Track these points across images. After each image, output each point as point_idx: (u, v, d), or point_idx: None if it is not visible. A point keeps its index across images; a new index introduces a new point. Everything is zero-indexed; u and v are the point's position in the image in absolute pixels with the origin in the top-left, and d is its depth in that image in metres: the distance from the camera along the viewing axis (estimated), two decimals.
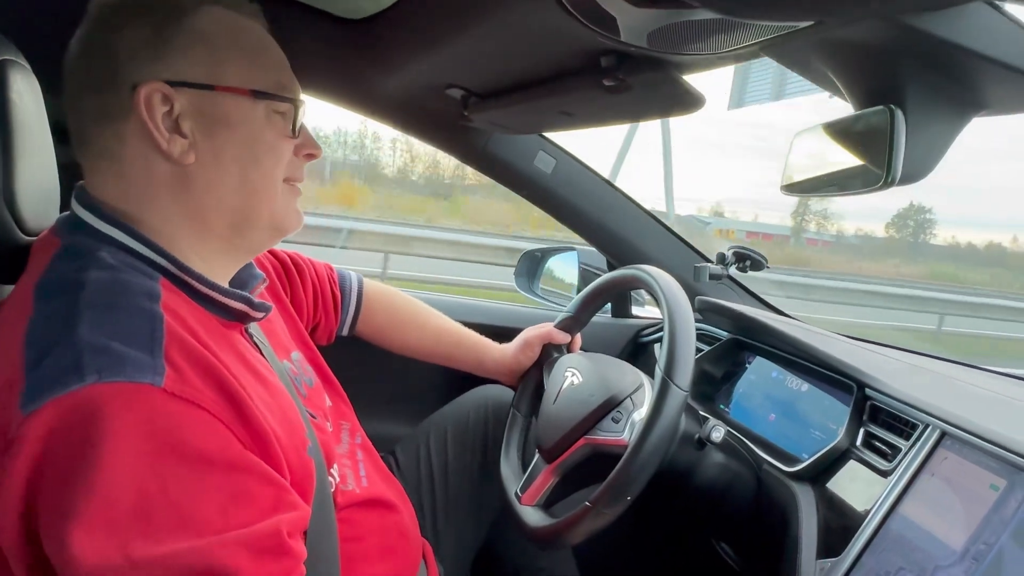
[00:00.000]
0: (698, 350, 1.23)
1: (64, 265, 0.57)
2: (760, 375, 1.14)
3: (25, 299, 0.55)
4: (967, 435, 0.73)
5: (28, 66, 0.71)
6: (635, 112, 0.85)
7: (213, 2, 0.62)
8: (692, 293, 1.29)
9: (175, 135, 0.60)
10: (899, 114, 0.49)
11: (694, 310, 1.27)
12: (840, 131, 0.58)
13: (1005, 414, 0.80)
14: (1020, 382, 1.01)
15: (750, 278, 1.37)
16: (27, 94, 0.69)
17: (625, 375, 0.95)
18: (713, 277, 1.27)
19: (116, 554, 0.46)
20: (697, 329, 1.30)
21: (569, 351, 1.13)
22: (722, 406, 1.17)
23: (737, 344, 1.20)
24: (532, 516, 0.93)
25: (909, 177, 0.54)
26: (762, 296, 1.38)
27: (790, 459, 0.94)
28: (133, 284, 0.56)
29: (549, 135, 1.27)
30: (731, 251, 1.28)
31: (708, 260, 1.34)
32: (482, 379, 1.19)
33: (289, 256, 1.00)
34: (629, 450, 0.81)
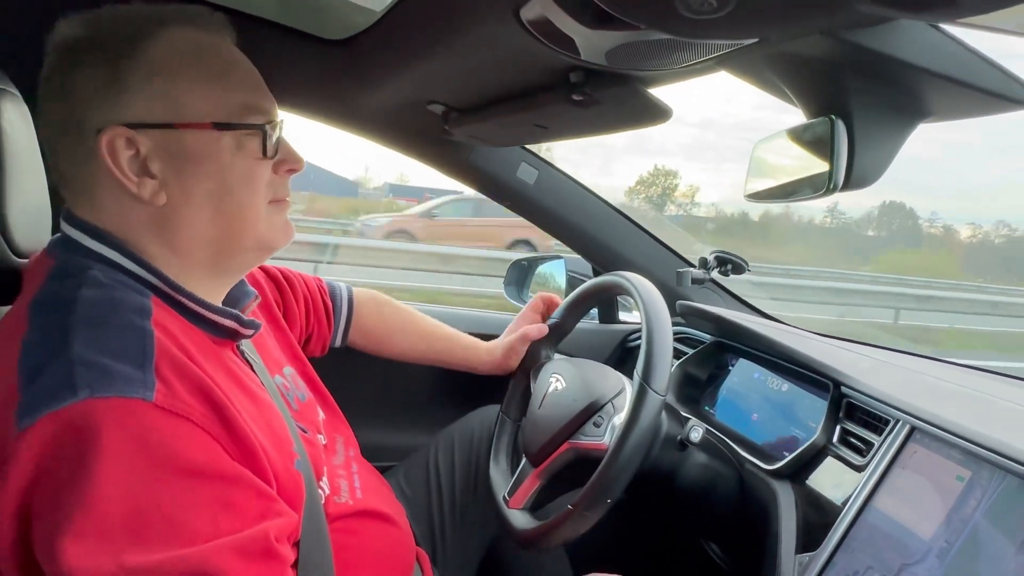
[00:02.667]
0: (682, 354, 1.25)
1: (57, 284, 0.59)
2: (743, 376, 1.16)
3: (20, 317, 0.57)
4: (935, 429, 0.75)
5: (17, 92, 0.73)
6: (605, 124, 0.88)
7: (174, 23, 0.61)
8: (675, 298, 1.32)
9: (144, 177, 0.60)
10: (840, 124, 0.52)
11: (676, 315, 1.30)
12: (793, 140, 0.61)
13: (971, 407, 0.82)
14: (986, 375, 1.03)
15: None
16: (17, 121, 0.71)
17: (607, 379, 0.97)
18: (696, 281, 1.29)
19: (110, 563, 0.48)
20: (681, 333, 1.33)
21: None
22: (707, 408, 1.19)
23: (720, 347, 1.22)
24: (519, 519, 0.95)
25: (859, 182, 0.56)
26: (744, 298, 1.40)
27: (771, 458, 0.97)
28: (125, 301, 0.58)
29: (530, 147, 1.30)
30: (713, 255, 1.30)
31: (691, 265, 1.37)
32: (479, 391, 1.22)
33: (280, 271, 1.02)
34: (608, 454, 0.83)
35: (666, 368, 0.85)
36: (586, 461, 0.89)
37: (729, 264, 1.28)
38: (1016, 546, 0.61)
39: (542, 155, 1.32)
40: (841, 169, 0.52)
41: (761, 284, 7.60)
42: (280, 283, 1.00)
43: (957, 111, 0.55)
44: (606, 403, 0.93)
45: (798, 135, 0.60)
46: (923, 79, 0.52)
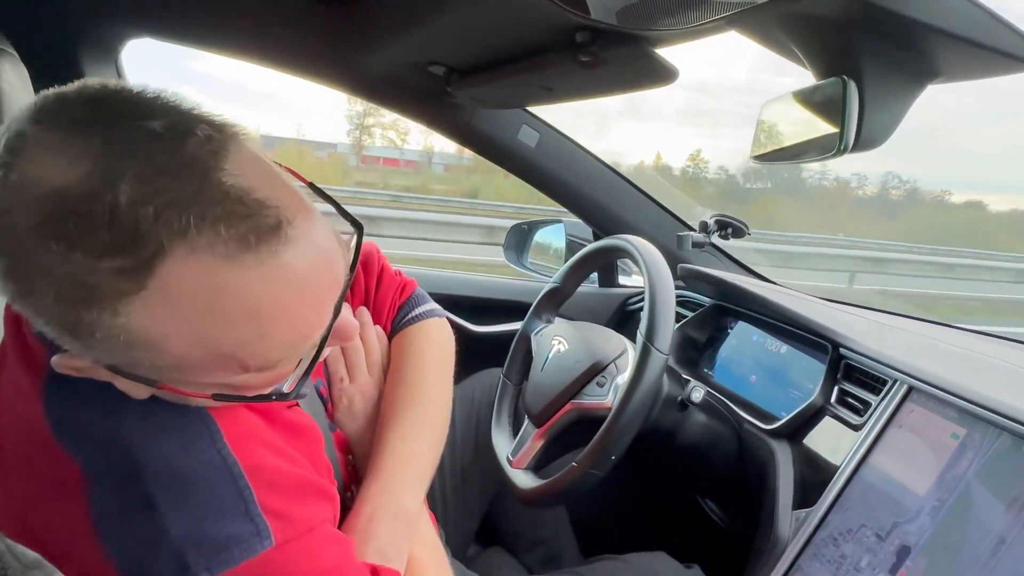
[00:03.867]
0: (682, 316, 1.26)
1: (86, 413, 0.48)
2: (742, 339, 1.17)
3: (39, 421, 0.48)
4: (931, 388, 0.77)
5: (16, 55, 0.72)
6: (611, 86, 0.87)
7: (182, 245, 0.38)
8: (675, 261, 1.33)
9: None
10: (852, 85, 0.52)
11: (677, 278, 1.31)
12: (801, 101, 0.61)
13: (967, 367, 0.84)
14: (984, 337, 1.05)
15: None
16: (16, 83, 0.70)
17: (609, 341, 0.98)
18: (696, 245, 1.30)
19: None
20: (681, 296, 1.34)
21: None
22: (706, 370, 1.21)
23: (720, 310, 1.24)
24: (522, 479, 0.97)
25: (867, 143, 0.56)
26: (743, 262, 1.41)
27: (769, 418, 0.99)
28: (189, 430, 0.49)
29: (532, 109, 1.29)
30: (713, 219, 1.31)
31: (691, 228, 1.37)
32: (478, 356, 1.22)
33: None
34: (613, 412, 0.85)
35: (669, 328, 0.87)
36: (589, 421, 0.91)
37: (729, 228, 1.29)
38: (1006, 504, 0.63)
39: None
40: (852, 130, 0.52)
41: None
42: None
43: (968, 71, 0.55)
44: (609, 363, 0.94)
45: (807, 97, 0.60)
46: (935, 39, 0.52)
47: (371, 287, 0.84)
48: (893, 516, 0.72)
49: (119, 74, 1.17)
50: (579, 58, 0.76)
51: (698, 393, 0.94)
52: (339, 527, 0.62)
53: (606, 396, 0.91)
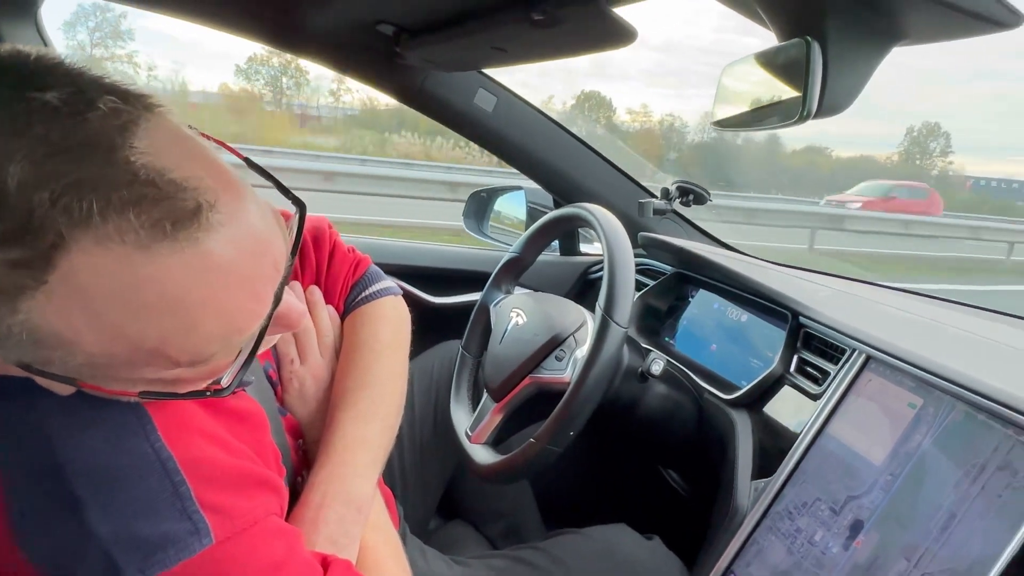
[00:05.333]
0: (643, 285, 1.25)
1: (4, 408, 0.44)
2: (703, 307, 1.16)
3: None
4: (889, 357, 0.76)
5: None
6: (567, 47, 0.83)
7: (86, 235, 0.34)
8: (637, 229, 1.31)
9: None
10: (816, 47, 0.49)
11: (638, 246, 1.29)
12: (763, 64, 0.58)
13: (925, 336, 0.84)
14: (942, 303, 1.06)
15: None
16: None
17: (568, 314, 0.96)
18: (657, 212, 1.27)
19: None
20: (642, 264, 1.32)
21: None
22: (667, 339, 1.20)
23: (681, 278, 1.22)
24: (481, 454, 0.95)
25: (831, 109, 0.54)
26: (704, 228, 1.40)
27: (730, 387, 0.98)
28: (114, 421, 0.45)
29: (490, 73, 1.24)
30: (675, 185, 1.28)
31: (653, 195, 1.35)
32: (437, 327, 1.19)
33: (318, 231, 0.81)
34: (571, 388, 0.83)
35: (628, 300, 0.84)
36: (548, 395, 0.89)
37: (691, 195, 1.26)
38: (958, 478, 0.63)
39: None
40: (815, 95, 0.50)
41: None
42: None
43: (935, 33, 0.53)
44: (568, 337, 0.92)
45: (769, 59, 0.57)
46: None
47: (323, 265, 0.80)
48: (847, 490, 0.72)
49: (39, 33, 1.08)
50: (532, 16, 0.71)
51: (658, 365, 0.92)
52: (288, 515, 0.59)
53: (565, 370, 0.89)
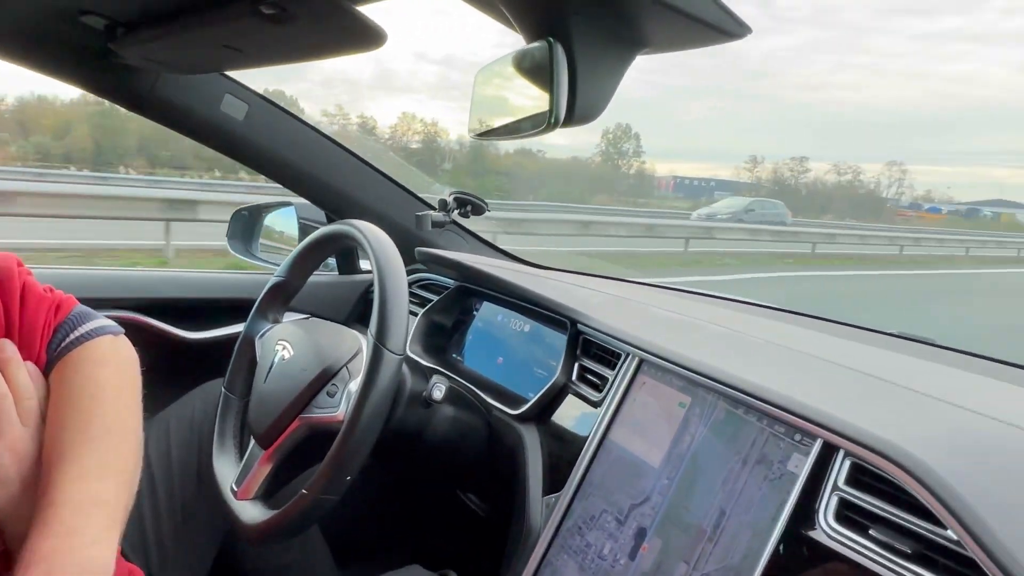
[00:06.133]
0: (427, 301, 1.19)
1: None
2: (487, 320, 1.13)
3: None
4: (658, 360, 0.78)
5: None
6: (309, 48, 0.74)
7: None
8: (416, 243, 1.25)
9: None
10: (559, 48, 0.46)
11: (416, 261, 1.23)
12: (512, 68, 0.55)
13: (688, 335, 0.87)
14: (699, 297, 1.13)
15: None
16: None
17: (342, 342, 0.87)
18: (436, 224, 1.23)
19: None
20: (425, 280, 1.27)
21: None
22: (455, 355, 1.15)
23: (465, 291, 1.18)
24: (249, 512, 0.83)
25: (582, 117, 0.52)
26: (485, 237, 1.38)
27: (519, 401, 0.96)
28: None
29: (239, 76, 1.10)
30: (452, 197, 1.24)
31: (431, 207, 1.30)
32: (200, 365, 1.03)
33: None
34: (344, 427, 0.74)
35: (402, 325, 0.78)
36: (321, 436, 0.79)
37: (469, 205, 1.23)
38: (727, 470, 0.65)
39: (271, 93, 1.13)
40: (562, 100, 0.47)
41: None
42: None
43: (673, 42, 0.53)
44: (340, 368, 0.83)
45: (517, 63, 0.54)
46: (642, 4, 0.48)
47: (13, 312, 0.64)
48: (630, 499, 0.72)
49: None
50: (261, 10, 0.62)
51: (439, 390, 0.87)
52: None
53: (338, 407, 0.80)
